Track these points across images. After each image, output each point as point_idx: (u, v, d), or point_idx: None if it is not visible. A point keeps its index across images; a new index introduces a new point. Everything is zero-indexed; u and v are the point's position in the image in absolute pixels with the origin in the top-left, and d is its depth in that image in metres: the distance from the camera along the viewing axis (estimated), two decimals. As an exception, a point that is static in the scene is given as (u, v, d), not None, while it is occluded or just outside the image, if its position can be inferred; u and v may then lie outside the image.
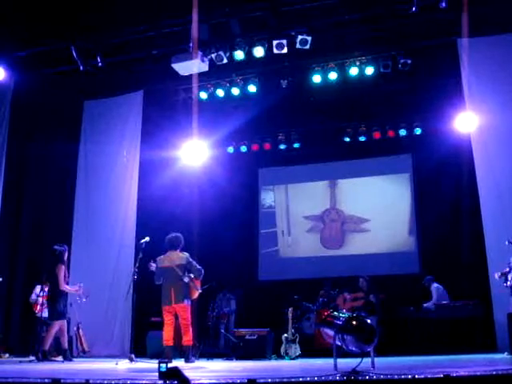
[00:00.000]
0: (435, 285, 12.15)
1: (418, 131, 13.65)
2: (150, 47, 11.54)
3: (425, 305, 11.88)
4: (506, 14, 10.23)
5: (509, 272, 9.38)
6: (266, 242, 15.49)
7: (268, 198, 15.81)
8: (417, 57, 11.77)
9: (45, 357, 9.63)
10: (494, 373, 4.61)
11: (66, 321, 10.19)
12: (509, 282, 9.40)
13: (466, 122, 11.53)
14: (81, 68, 11.51)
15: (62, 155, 13.06)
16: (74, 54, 11.31)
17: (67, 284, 10.05)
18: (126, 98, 13.12)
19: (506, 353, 8.92)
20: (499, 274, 9.42)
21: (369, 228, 14.65)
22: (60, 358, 9.83)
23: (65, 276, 10.00)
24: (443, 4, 9.75)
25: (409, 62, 11.71)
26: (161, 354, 9.03)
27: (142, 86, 12.99)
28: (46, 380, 4.77)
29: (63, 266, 10.01)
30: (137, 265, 9.17)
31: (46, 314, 10.44)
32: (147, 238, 9.35)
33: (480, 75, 10.96)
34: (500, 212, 10.54)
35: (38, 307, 10.84)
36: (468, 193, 11.52)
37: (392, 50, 11.83)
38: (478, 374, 4.58)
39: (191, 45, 10.66)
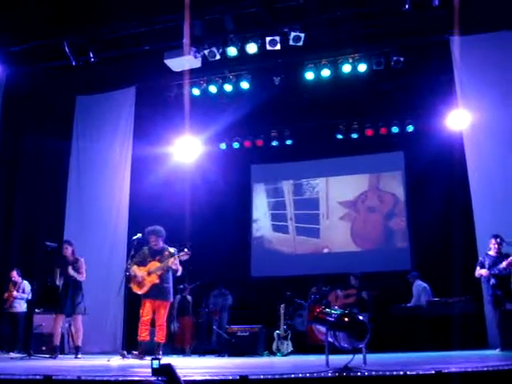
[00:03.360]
0: (417, 283, 12.20)
1: (410, 128, 13.68)
2: (143, 43, 11.51)
3: (408, 305, 11.95)
4: (498, 13, 10.26)
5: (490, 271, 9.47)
6: (259, 239, 15.52)
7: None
8: (409, 54, 11.79)
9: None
10: (485, 369, 4.63)
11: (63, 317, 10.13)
12: (492, 281, 9.47)
13: (458, 119, 11.59)
14: (73, 63, 11.47)
15: (54, 150, 13.03)
16: (67, 50, 11.27)
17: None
18: (118, 94, 13.09)
19: (497, 349, 8.96)
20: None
21: (360, 224, 14.68)
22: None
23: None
24: (436, 2, 9.76)
25: (401, 59, 11.73)
26: (152, 351, 9.03)
27: (134, 81, 12.97)
28: (38, 377, 4.75)
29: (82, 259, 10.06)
30: (129, 261, 9.15)
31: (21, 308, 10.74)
32: (139, 235, 9.33)
33: (472, 73, 11.00)
34: (491, 209, 10.59)
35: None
36: (460, 190, 11.53)
37: (385, 48, 11.85)
38: (470, 370, 4.60)
39: (184, 41, 10.66)
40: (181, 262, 9.15)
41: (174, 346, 11.95)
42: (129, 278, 9.16)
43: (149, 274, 9.03)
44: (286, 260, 15.02)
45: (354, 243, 14.69)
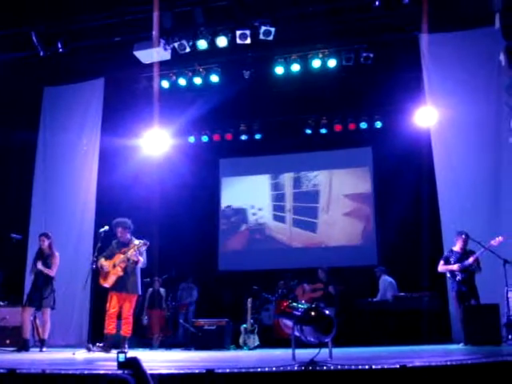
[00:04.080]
0: (384, 277, 12.30)
1: (378, 125, 13.79)
2: (112, 34, 11.37)
3: (374, 299, 12.06)
4: (467, 11, 10.37)
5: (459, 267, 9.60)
6: (226, 232, 15.52)
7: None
8: (379, 51, 11.88)
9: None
10: (449, 363, 4.70)
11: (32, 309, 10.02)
12: (458, 277, 9.60)
13: (426, 116, 11.69)
14: (41, 54, 11.30)
15: (20, 142, 12.84)
16: (35, 40, 11.09)
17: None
18: (86, 85, 12.93)
19: (461, 344, 9.08)
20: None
21: (328, 220, 14.77)
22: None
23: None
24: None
25: (371, 55, 11.82)
26: (118, 344, 8.99)
27: (103, 73, 12.81)
28: (1, 370, 4.70)
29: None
30: (95, 254, 9.09)
31: None
32: (106, 227, 9.26)
33: (440, 70, 11.11)
34: (457, 205, 10.72)
35: None
36: (427, 186, 11.65)
37: (355, 44, 11.92)
38: (433, 364, 4.66)
39: (154, 33, 10.58)
40: (142, 254, 9.10)
41: (144, 339, 11.91)
42: (96, 271, 9.10)
43: (113, 266, 8.99)
44: (254, 254, 15.05)
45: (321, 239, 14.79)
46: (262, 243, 15.19)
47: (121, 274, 8.97)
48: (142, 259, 9.09)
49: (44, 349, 9.67)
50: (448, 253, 9.89)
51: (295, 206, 15.15)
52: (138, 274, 9.18)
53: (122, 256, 8.99)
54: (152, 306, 12.25)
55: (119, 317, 9.14)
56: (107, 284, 9.00)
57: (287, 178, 15.38)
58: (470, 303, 9.46)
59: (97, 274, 9.17)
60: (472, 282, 9.59)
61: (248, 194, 15.69)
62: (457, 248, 9.75)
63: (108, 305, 9.03)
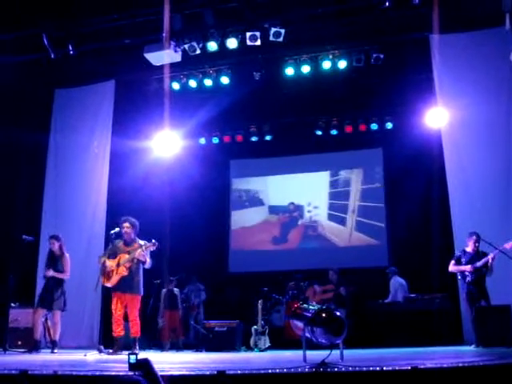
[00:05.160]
0: (395, 279, 12.26)
1: (389, 126, 13.77)
2: (123, 36, 11.39)
3: (385, 301, 12.03)
4: (477, 11, 10.35)
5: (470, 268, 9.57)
6: (236, 234, 15.54)
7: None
8: (389, 52, 11.84)
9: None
10: (461, 365, 4.67)
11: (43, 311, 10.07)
12: (468, 278, 9.57)
13: (437, 117, 11.66)
14: (52, 56, 11.34)
15: (31, 144, 12.87)
16: (46, 42, 11.14)
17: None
18: (97, 87, 13.00)
19: (472, 345, 9.05)
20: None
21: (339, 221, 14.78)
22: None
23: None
24: (416, 0, 9.81)
25: (381, 56, 11.78)
26: (129, 346, 9.00)
27: (113, 75, 12.88)
28: (14, 372, 4.71)
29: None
30: (114, 257, 9.07)
31: None
32: (117, 229, 9.25)
33: (451, 71, 11.09)
34: (468, 206, 10.70)
35: None
36: (437, 187, 11.64)
37: (365, 45, 11.89)
38: (445, 366, 4.63)
39: (164, 35, 10.60)
40: (151, 254, 9.09)
41: (161, 340, 11.91)
42: (101, 270, 9.08)
43: (118, 265, 8.96)
44: (263, 255, 15.04)
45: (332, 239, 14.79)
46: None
47: (125, 274, 8.92)
48: (149, 260, 9.09)
49: (55, 350, 9.69)
50: (460, 253, 9.85)
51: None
52: (141, 274, 9.14)
53: (127, 256, 8.95)
54: (169, 306, 12.21)
55: (126, 318, 9.14)
56: (110, 284, 8.95)
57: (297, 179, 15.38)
58: (480, 304, 9.43)
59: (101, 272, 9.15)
60: (482, 284, 9.56)
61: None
62: (469, 249, 9.72)
63: (113, 308, 9.02)
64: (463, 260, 9.68)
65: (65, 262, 9.94)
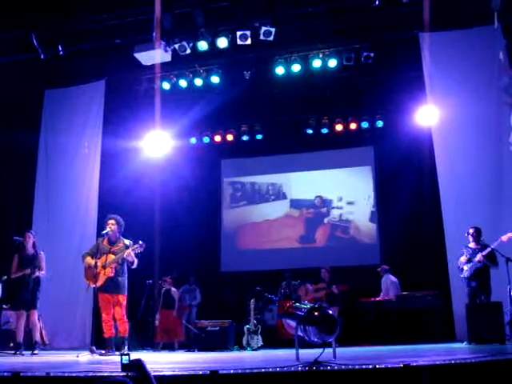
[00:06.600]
0: (386, 276, 12.29)
1: (379, 124, 13.78)
2: (113, 36, 11.36)
3: (377, 299, 12.05)
4: (467, 10, 10.37)
5: (465, 263, 9.58)
6: (228, 233, 15.53)
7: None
8: (379, 50, 11.86)
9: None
10: (453, 362, 4.68)
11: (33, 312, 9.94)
12: (466, 273, 9.59)
13: (427, 115, 11.70)
14: (42, 56, 11.31)
15: (21, 145, 12.81)
16: (35, 42, 11.11)
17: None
18: (87, 87, 12.95)
19: (464, 342, 9.07)
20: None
21: (331, 220, 14.77)
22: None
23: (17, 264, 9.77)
24: (406, -2, 9.85)
25: (371, 55, 11.79)
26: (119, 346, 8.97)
27: (104, 75, 12.83)
28: (6, 374, 4.69)
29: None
30: (98, 256, 9.03)
31: None
32: (109, 229, 9.23)
33: (441, 69, 11.11)
34: (460, 204, 10.73)
35: None
36: (429, 185, 11.66)
37: (355, 43, 11.91)
38: (437, 363, 4.64)
39: (154, 34, 10.58)
40: (137, 255, 9.04)
41: (154, 340, 11.90)
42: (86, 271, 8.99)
43: (104, 267, 8.89)
44: (256, 254, 15.03)
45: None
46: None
47: (111, 275, 8.85)
48: (136, 260, 9.03)
49: (36, 351, 9.44)
50: (464, 248, 9.80)
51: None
52: (125, 274, 9.07)
53: (113, 257, 8.89)
54: (165, 305, 12.19)
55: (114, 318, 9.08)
56: (95, 285, 8.88)
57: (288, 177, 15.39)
58: (481, 300, 9.43)
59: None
60: (483, 278, 9.50)
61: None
62: (471, 244, 9.72)
63: (102, 309, 8.93)
64: (467, 255, 9.66)
65: (41, 260, 9.73)
